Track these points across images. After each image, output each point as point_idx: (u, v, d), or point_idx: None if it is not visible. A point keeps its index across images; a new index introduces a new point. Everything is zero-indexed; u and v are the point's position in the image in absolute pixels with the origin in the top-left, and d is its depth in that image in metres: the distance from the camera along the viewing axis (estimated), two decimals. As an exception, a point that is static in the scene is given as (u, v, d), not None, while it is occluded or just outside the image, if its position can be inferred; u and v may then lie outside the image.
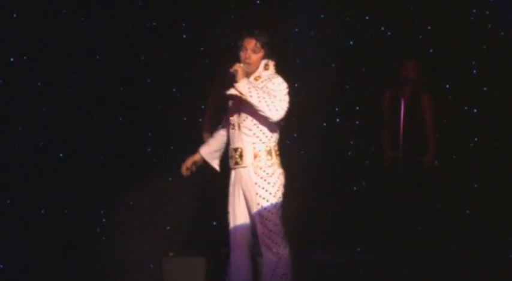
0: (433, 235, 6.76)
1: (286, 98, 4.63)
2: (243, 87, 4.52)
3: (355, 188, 7.32)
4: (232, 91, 4.58)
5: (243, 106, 4.66)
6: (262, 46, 4.69)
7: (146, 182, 6.82)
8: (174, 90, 7.27)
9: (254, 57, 4.69)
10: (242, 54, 4.70)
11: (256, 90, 4.52)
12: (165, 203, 7.03)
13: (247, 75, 4.68)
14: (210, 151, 5.01)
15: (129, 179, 6.79)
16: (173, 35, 7.16)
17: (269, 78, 4.66)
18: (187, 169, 4.97)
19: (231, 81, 4.59)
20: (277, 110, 4.54)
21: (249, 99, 4.50)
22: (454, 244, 6.72)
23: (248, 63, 4.68)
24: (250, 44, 4.68)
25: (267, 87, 4.63)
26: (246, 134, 4.71)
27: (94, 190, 6.79)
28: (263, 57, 4.73)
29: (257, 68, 4.74)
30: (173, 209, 7.04)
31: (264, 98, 4.51)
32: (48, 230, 6.62)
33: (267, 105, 4.51)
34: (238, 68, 4.58)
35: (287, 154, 6.20)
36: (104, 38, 6.92)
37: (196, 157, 4.98)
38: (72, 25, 6.77)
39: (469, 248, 6.57)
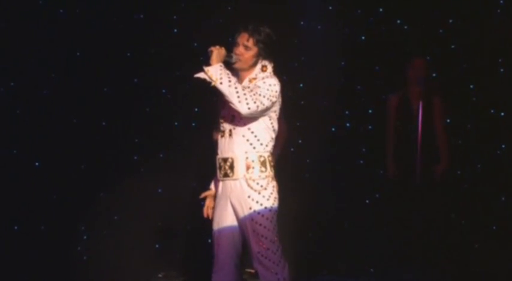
0: (455, 254, 6.72)
1: (269, 98, 4.54)
2: (214, 72, 4.43)
3: (367, 201, 7.22)
4: (200, 74, 4.49)
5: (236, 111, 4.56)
6: (256, 43, 4.62)
7: (133, 194, 6.78)
8: (164, 91, 7.20)
9: (246, 54, 4.63)
10: (234, 50, 4.63)
11: (229, 78, 4.45)
12: (153, 219, 6.95)
13: (240, 73, 4.66)
14: None
15: (113, 192, 6.71)
16: (163, 29, 7.07)
17: (262, 78, 4.62)
18: (208, 208, 4.90)
19: (228, 108, 4.59)
20: (248, 103, 4.44)
21: (218, 85, 4.42)
22: (479, 265, 6.67)
23: (239, 60, 4.62)
24: (243, 39, 4.63)
25: (255, 85, 4.60)
26: (238, 141, 4.63)
27: (74, 204, 6.73)
28: (256, 56, 4.65)
29: (249, 66, 4.67)
30: (163, 225, 6.98)
31: (236, 87, 4.44)
32: (22, 250, 6.58)
33: (238, 97, 4.44)
34: (215, 49, 4.49)
35: (291, 162, 6.61)
36: (85, 32, 6.85)
37: (210, 193, 4.92)
38: (49, 17, 6.74)
39: (495, 270, 6.55)
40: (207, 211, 4.87)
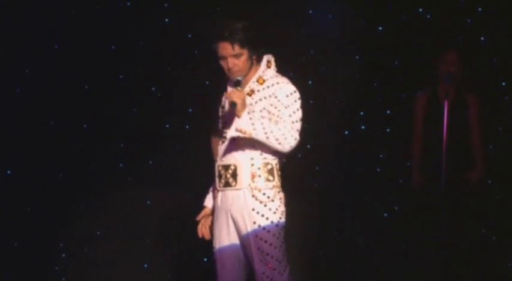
0: (485, 275, 6.57)
1: (298, 116, 4.55)
2: (245, 125, 4.39)
3: (385, 215, 7.09)
4: (233, 133, 4.49)
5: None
6: (242, 46, 4.52)
7: (118, 207, 6.78)
8: (153, 89, 7.11)
9: (240, 62, 4.55)
10: (224, 64, 4.55)
11: (262, 122, 4.44)
12: (141, 234, 6.94)
13: (243, 80, 4.58)
14: None
15: (95, 204, 6.72)
16: (153, 19, 7.02)
17: (277, 83, 4.57)
18: (203, 226, 4.87)
19: (229, 112, 4.57)
20: (289, 142, 4.47)
21: (254, 136, 4.41)
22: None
23: (236, 71, 4.54)
24: (227, 49, 4.53)
25: (275, 97, 4.53)
26: (243, 146, 4.56)
27: (51, 218, 6.74)
28: (250, 56, 4.59)
29: (248, 69, 4.60)
30: (152, 242, 6.95)
31: (272, 131, 4.44)
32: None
33: (277, 140, 4.43)
34: (236, 98, 4.38)
35: (299, 171, 6.39)
36: (64, 22, 6.87)
37: (206, 212, 4.86)
38: (23, 5, 6.78)
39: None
40: (201, 230, 4.79)
